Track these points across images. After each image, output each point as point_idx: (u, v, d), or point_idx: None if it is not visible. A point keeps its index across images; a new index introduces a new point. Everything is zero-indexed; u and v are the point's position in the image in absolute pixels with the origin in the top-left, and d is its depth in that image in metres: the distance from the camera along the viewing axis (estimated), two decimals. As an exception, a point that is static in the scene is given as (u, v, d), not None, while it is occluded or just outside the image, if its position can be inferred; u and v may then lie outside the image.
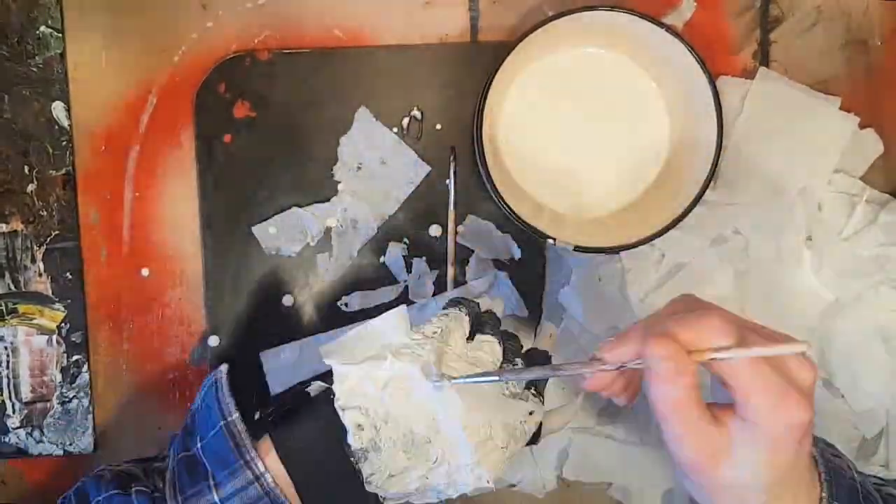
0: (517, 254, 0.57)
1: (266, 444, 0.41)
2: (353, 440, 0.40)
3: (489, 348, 0.44)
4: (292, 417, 0.42)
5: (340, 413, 0.40)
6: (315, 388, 0.43)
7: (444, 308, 0.46)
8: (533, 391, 0.46)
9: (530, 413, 0.44)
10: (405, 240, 0.57)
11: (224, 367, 0.43)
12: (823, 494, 0.39)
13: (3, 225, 0.57)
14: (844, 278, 0.56)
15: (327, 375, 0.42)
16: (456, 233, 0.57)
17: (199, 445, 0.41)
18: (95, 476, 0.44)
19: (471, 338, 0.45)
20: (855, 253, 0.56)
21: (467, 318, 0.45)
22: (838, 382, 0.56)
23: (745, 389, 0.36)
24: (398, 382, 0.41)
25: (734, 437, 0.37)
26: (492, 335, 0.45)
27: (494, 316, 0.48)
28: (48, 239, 0.57)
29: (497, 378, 0.42)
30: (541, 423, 0.46)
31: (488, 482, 0.41)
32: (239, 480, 0.40)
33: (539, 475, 0.58)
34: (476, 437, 0.40)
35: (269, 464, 0.40)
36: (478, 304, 0.47)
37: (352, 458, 0.40)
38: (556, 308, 0.57)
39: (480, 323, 0.46)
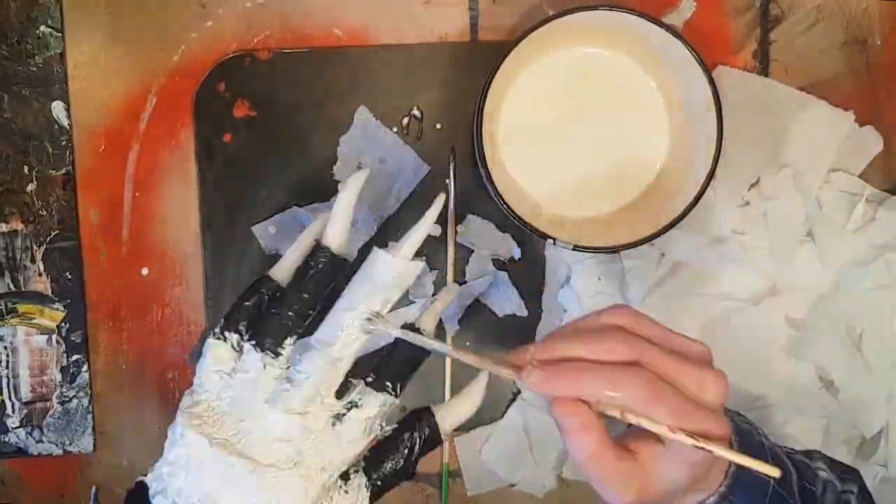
0: (517, 254, 0.57)
1: None
2: None
3: (250, 361, 0.40)
4: None
5: (151, 501, 0.39)
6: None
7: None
8: (369, 379, 0.41)
9: (347, 408, 0.40)
10: (405, 239, 0.57)
11: (94, 488, 0.44)
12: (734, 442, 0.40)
13: (3, 224, 0.57)
14: (844, 276, 0.56)
15: None
16: (456, 233, 0.57)
17: None
18: None
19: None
20: (854, 250, 0.56)
21: (221, 342, 0.40)
22: (838, 382, 0.56)
23: (641, 410, 0.37)
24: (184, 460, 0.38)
25: (651, 459, 0.38)
26: (258, 343, 0.40)
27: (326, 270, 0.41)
28: (48, 238, 0.57)
29: (445, 351, 0.40)
30: (435, 425, 0.42)
31: None
32: None
33: (539, 475, 0.58)
34: (240, 463, 0.38)
35: None
36: (252, 294, 0.41)
37: None
38: (556, 308, 0.57)
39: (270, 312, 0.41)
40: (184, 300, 0.58)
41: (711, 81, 0.50)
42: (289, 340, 0.39)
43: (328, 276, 0.40)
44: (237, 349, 0.40)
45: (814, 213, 0.56)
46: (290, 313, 0.39)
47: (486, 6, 0.57)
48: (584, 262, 0.57)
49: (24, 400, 0.57)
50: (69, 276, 0.57)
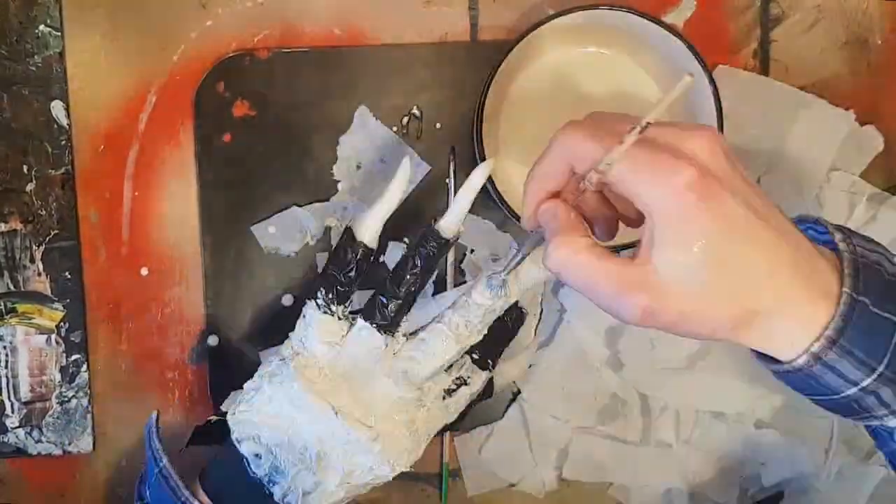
0: (517, 253, 0.57)
1: (198, 483, 0.44)
2: (255, 469, 0.42)
3: (367, 336, 0.43)
4: (215, 455, 0.44)
5: (237, 445, 0.42)
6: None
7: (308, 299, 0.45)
8: (475, 356, 0.45)
9: (458, 384, 0.44)
10: (405, 239, 0.57)
11: (154, 415, 0.45)
12: (845, 289, 0.33)
13: (3, 224, 0.57)
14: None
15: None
16: (456, 232, 0.57)
17: (147, 493, 0.44)
18: None
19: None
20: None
21: (327, 317, 0.43)
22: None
23: (626, 185, 0.33)
24: (286, 406, 0.42)
25: (649, 252, 0.33)
26: (369, 320, 0.43)
27: (427, 240, 0.43)
28: (47, 238, 0.57)
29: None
30: (491, 379, 0.47)
31: (398, 467, 0.42)
32: None
33: (539, 475, 0.58)
34: (364, 432, 0.41)
35: (202, 499, 0.43)
36: (351, 261, 0.44)
37: (261, 486, 0.42)
38: (556, 308, 0.57)
39: (374, 284, 0.45)
40: (183, 300, 0.57)
41: (711, 81, 0.50)
42: (405, 319, 0.43)
43: (437, 259, 0.43)
44: (343, 318, 0.43)
45: (814, 212, 0.56)
46: (403, 292, 0.42)
47: (486, 6, 0.57)
48: (584, 262, 0.57)
49: (23, 400, 0.57)
50: (68, 276, 0.57)
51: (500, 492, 0.58)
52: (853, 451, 0.56)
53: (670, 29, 0.50)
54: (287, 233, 0.57)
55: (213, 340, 0.57)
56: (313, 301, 0.43)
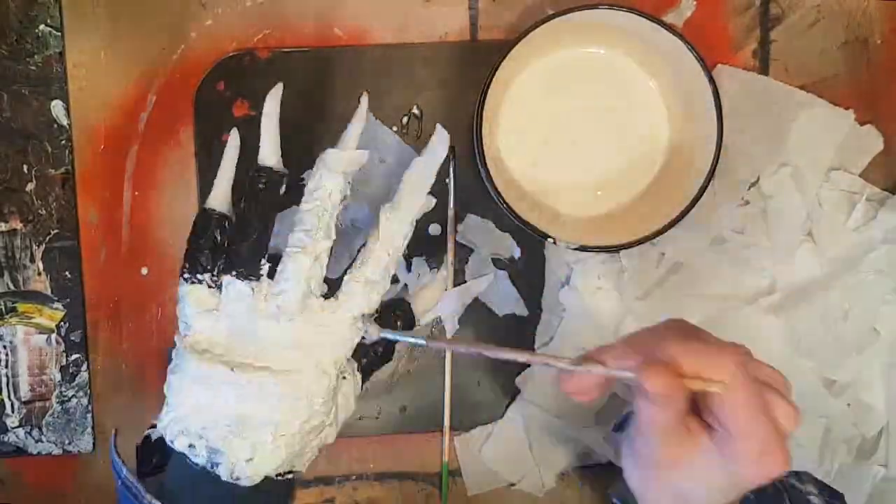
0: (517, 253, 0.57)
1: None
2: (195, 458, 0.42)
3: (233, 291, 0.43)
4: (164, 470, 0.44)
5: (172, 445, 0.42)
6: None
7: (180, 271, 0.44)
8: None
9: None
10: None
11: (114, 431, 0.46)
12: None
13: (3, 224, 0.57)
14: (845, 275, 0.56)
15: None
16: (455, 232, 0.57)
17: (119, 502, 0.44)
18: None
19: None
20: (855, 249, 0.56)
21: (194, 287, 0.43)
22: (839, 382, 0.56)
23: (735, 429, 0.37)
24: (193, 388, 0.42)
25: (702, 450, 0.38)
26: (231, 274, 0.43)
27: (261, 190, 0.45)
28: (47, 238, 0.57)
29: (467, 350, 0.43)
30: (409, 310, 0.48)
31: (316, 402, 0.42)
32: None
33: (539, 475, 0.58)
34: (264, 376, 0.41)
35: None
36: (212, 228, 0.44)
37: (209, 473, 0.42)
38: (556, 307, 0.57)
39: (232, 244, 0.44)
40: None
41: (711, 81, 0.50)
42: (263, 260, 0.43)
43: (276, 192, 0.44)
44: (214, 285, 0.43)
45: (814, 212, 0.56)
46: (255, 235, 0.43)
47: (486, 5, 0.57)
48: (584, 262, 0.57)
49: (23, 399, 0.57)
50: (68, 276, 0.57)
51: (500, 492, 0.58)
52: (852, 451, 0.57)
53: (670, 29, 0.50)
54: (287, 232, 0.56)
55: (213, 340, 0.57)
56: (181, 277, 0.44)
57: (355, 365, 0.45)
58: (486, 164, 0.50)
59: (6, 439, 0.57)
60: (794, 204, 0.56)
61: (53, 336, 0.57)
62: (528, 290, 0.58)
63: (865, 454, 0.57)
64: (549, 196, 0.55)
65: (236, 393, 0.41)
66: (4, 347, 0.57)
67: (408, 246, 0.57)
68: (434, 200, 0.46)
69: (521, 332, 0.58)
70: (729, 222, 0.56)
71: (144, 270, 0.57)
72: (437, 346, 0.42)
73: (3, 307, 0.57)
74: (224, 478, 0.41)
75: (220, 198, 0.45)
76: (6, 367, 0.57)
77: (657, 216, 0.51)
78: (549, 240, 0.51)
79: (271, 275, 0.43)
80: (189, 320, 0.43)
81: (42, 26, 0.56)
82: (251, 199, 0.44)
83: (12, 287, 0.57)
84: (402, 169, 0.56)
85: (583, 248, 0.51)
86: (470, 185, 0.57)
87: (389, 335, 0.44)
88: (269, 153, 0.45)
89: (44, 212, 0.57)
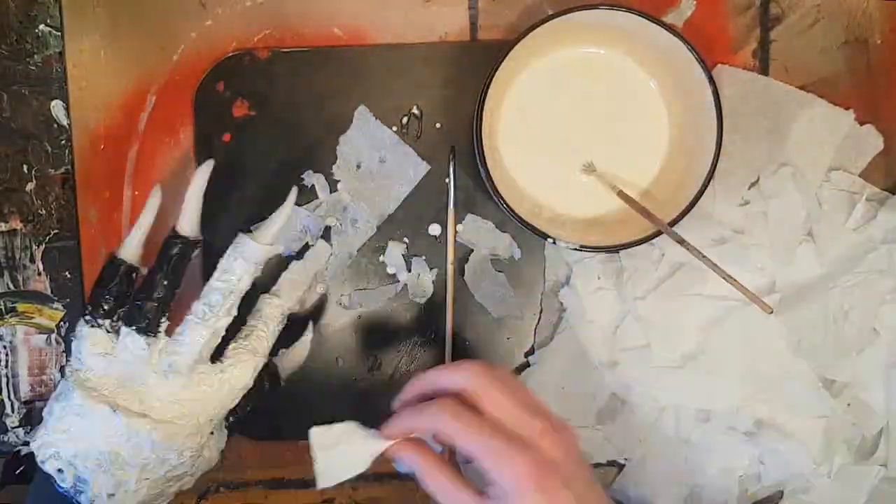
0: (517, 253, 0.57)
1: None
2: (61, 483, 0.45)
3: (131, 343, 0.46)
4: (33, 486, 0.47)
5: (42, 466, 0.45)
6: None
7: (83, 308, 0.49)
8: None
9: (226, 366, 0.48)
10: (405, 239, 0.57)
11: None
12: None
13: (2, 224, 0.57)
14: (844, 275, 0.56)
15: None
16: (455, 232, 0.57)
17: None
18: None
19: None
20: (855, 249, 0.56)
21: (92, 330, 0.46)
22: (838, 382, 0.56)
23: (479, 460, 0.40)
24: (74, 418, 0.45)
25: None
26: (130, 325, 0.46)
27: (170, 255, 0.48)
28: (47, 238, 0.57)
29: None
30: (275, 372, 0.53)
31: (187, 454, 0.46)
32: None
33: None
34: (143, 423, 0.45)
35: None
36: (120, 275, 0.47)
37: (71, 499, 0.45)
38: (556, 308, 0.57)
39: (135, 297, 0.47)
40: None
41: (711, 80, 0.50)
42: (163, 319, 0.46)
43: (186, 259, 0.47)
44: (111, 331, 0.46)
45: (814, 212, 0.56)
46: (160, 295, 0.46)
47: (486, 5, 0.57)
48: (584, 262, 0.57)
49: (23, 399, 0.57)
50: (68, 276, 0.57)
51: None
52: (852, 451, 0.57)
53: (670, 29, 0.50)
54: (287, 233, 0.57)
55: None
56: (82, 318, 0.47)
57: (224, 422, 0.50)
58: (486, 164, 0.50)
59: (6, 439, 0.57)
60: (794, 204, 0.56)
61: (53, 336, 0.57)
62: (529, 290, 0.58)
63: (865, 454, 0.57)
64: (549, 196, 0.55)
65: (112, 432, 0.44)
66: (4, 347, 0.57)
67: (407, 246, 0.57)
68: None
69: (519, 332, 0.58)
70: (729, 222, 0.56)
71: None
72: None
73: (2, 307, 0.57)
74: None
75: (132, 250, 0.48)
76: (6, 367, 0.57)
77: (657, 216, 0.51)
78: (549, 240, 0.51)
79: (168, 331, 0.47)
80: (83, 358, 0.46)
81: (42, 26, 0.56)
82: (163, 262, 0.47)
83: (12, 287, 0.57)
84: (401, 169, 0.57)
85: (583, 248, 0.51)
86: (470, 185, 0.57)
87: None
88: (188, 224, 0.48)
89: (44, 212, 0.57)
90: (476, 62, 0.56)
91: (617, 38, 0.53)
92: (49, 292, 0.57)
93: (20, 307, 0.57)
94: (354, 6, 0.57)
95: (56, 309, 0.57)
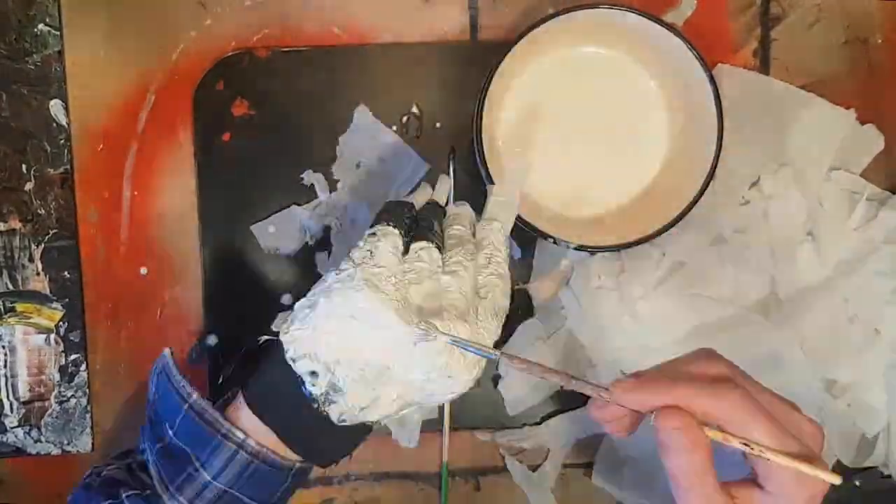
0: (517, 253, 0.57)
1: (234, 408, 0.42)
2: (311, 388, 0.40)
3: (427, 255, 0.43)
4: (256, 373, 0.42)
5: (292, 364, 0.40)
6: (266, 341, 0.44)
7: (371, 225, 0.45)
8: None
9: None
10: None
11: (167, 352, 0.45)
12: None
13: (1, 224, 0.57)
14: (846, 275, 0.56)
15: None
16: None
17: (170, 433, 0.42)
18: (83, 486, 0.45)
19: (406, 250, 0.44)
20: (856, 249, 0.56)
21: (397, 232, 0.44)
22: (839, 382, 0.56)
23: (768, 463, 0.37)
24: (346, 320, 0.41)
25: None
26: (426, 241, 0.44)
27: (434, 207, 0.49)
28: (46, 238, 0.57)
29: (495, 355, 0.41)
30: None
31: (458, 390, 0.42)
32: (224, 453, 0.41)
33: (539, 472, 0.58)
34: (434, 343, 0.40)
35: (246, 425, 0.41)
36: (410, 204, 0.47)
37: (314, 405, 0.41)
38: (556, 307, 0.57)
39: (417, 227, 0.46)
40: (182, 300, 0.57)
41: (712, 80, 0.50)
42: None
43: (442, 211, 0.49)
44: (406, 237, 0.44)
45: (815, 211, 0.56)
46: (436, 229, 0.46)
47: (486, 5, 0.57)
48: (584, 262, 0.57)
49: (22, 399, 0.57)
50: (67, 276, 0.57)
51: (502, 490, 0.58)
52: (852, 451, 0.56)
53: (671, 28, 0.50)
54: (287, 232, 0.57)
55: (212, 340, 0.57)
56: (375, 225, 0.44)
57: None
58: (485, 164, 0.50)
59: (5, 439, 0.57)
60: (795, 204, 0.56)
61: (52, 336, 0.57)
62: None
63: (865, 454, 0.57)
64: (549, 196, 0.55)
65: (391, 346, 0.40)
66: (3, 347, 0.57)
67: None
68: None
69: (518, 331, 0.58)
70: (729, 222, 0.56)
71: (143, 270, 0.57)
72: (510, 364, 0.41)
73: (1, 307, 0.57)
74: (332, 417, 0.41)
75: (417, 204, 0.49)
76: (5, 367, 0.57)
77: (657, 216, 0.51)
78: (549, 240, 0.51)
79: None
80: (378, 253, 0.42)
81: (41, 25, 0.56)
82: (432, 212, 0.48)
83: (11, 287, 0.57)
84: (401, 168, 0.57)
85: (583, 248, 0.51)
86: (470, 185, 0.57)
87: (460, 345, 0.41)
88: (441, 199, 0.52)
89: (43, 211, 0.57)
90: (476, 62, 0.56)
91: (617, 37, 0.53)
92: (48, 292, 0.57)
93: (19, 307, 0.57)
94: (354, 6, 0.57)
95: (55, 309, 0.57)
